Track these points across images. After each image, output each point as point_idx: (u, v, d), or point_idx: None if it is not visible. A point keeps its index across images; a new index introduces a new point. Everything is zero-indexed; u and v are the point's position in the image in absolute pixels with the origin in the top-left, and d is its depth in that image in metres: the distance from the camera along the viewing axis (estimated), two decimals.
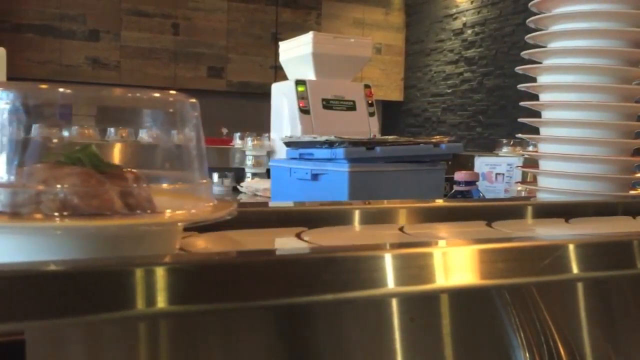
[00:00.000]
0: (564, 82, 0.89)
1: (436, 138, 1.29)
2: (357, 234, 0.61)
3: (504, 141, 2.36)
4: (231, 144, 2.35)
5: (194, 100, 0.43)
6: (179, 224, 0.38)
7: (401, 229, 0.61)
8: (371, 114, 2.14)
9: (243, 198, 1.97)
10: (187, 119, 0.43)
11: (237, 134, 2.21)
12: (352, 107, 2.10)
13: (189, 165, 0.42)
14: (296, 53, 2.14)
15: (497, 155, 1.66)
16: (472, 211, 0.68)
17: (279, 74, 4.28)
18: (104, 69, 4.17)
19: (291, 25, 4.62)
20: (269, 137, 2.21)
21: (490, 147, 3.14)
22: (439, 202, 0.75)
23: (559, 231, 0.66)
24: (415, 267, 0.40)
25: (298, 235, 0.54)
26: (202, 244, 0.49)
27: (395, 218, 0.64)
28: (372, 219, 0.64)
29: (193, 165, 0.42)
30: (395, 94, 5.08)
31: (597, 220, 0.70)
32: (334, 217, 0.62)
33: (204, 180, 0.42)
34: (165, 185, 0.39)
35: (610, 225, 0.68)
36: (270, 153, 2.18)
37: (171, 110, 0.43)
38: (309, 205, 0.67)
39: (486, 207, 0.71)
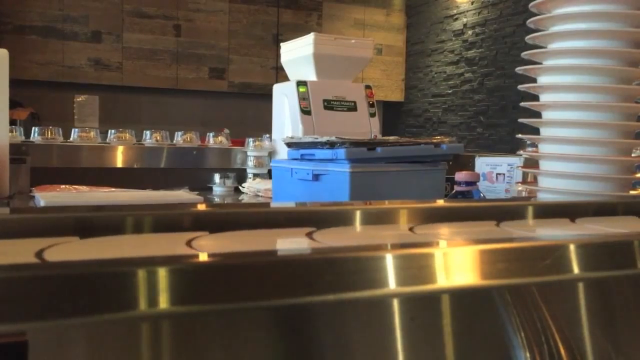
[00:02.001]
0: (564, 82, 0.89)
1: (437, 138, 1.29)
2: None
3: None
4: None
5: None
6: None
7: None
8: (372, 115, 2.14)
9: (245, 199, 1.97)
10: None
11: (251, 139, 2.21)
12: (353, 108, 2.10)
13: None
14: (297, 54, 2.14)
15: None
16: (474, 211, 0.68)
17: (280, 75, 4.28)
18: (106, 70, 4.18)
19: (292, 27, 4.63)
20: (270, 138, 2.21)
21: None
22: (440, 202, 0.75)
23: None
24: (416, 268, 0.40)
25: (38, 254, 0.45)
26: None
27: (397, 218, 0.65)
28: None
29: None
30: (396, 95, 5.09)
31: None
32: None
33: None
34: None
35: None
36: (271, 153, 2.19)
37: None
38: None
39: (487, 207, 0.71)
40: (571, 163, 0.87)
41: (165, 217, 0.55)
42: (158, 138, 2.14)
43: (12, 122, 3.05)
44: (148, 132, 2.15)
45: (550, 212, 0.71)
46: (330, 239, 0.52)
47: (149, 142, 2.13)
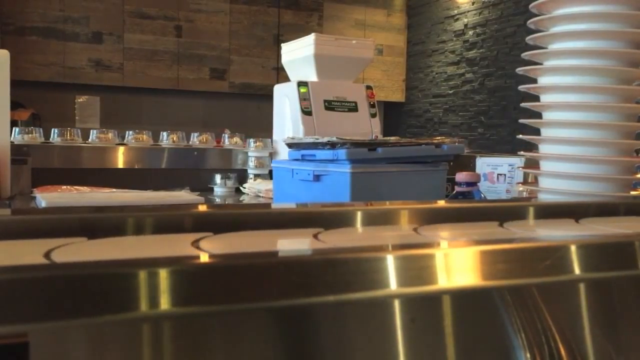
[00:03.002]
0: (564, 83, 0.89)
1: (438, 139, 1.29)
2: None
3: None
4: None
5: None
6: None
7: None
8: (373, 115, 2.14)
9: (246, 199, 1.97)
10: None
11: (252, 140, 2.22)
12: (353, 108, 2.10)
13: None
14: (298, 54, 2.15)
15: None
16: (473, 212, 0.68)
17: (281, 76, 4.28)
18: (107, 71, 4.19)
19: (293, 27, 4.63)
20: (271, 139, 2.21)
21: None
22: (441, 203, 0.75)
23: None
24: (416, 269, 0.41)
25: None
26: None
27: (397, 219, 0.64)
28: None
29: None
30: (396, 95, 5.09)
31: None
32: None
33: None
34: None
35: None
36: (272, 154, 2.19)
37: None
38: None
39: (487, 207, 0.72)
40: (572, 163, 0.87)
41: (166, 218, 0.55)
42: (175, 139, 2.15)
43: (14, 123, 3.06)
44: (165, 133, 2.16)
45: (550, 212, 0.71)
46: (215, 247, 0.48)
47: (165, 143, 2.15)
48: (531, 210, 0.70)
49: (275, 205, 0.66)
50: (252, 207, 0.63)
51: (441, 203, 0.71)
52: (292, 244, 0.53)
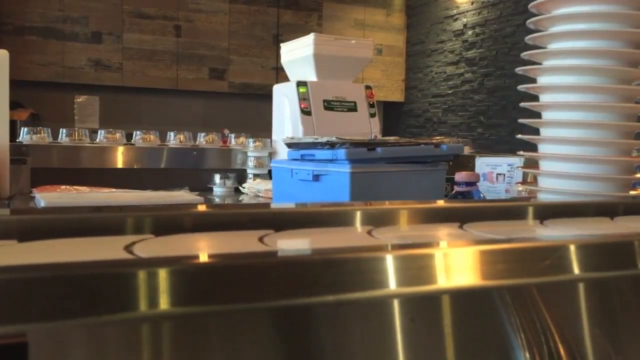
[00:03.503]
0: (563, 83, 0.89)
1: (437, 139, 1.29)
2: None
3: None
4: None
5: None
6: None
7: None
8: (372, 115, 2.14)
9: (245, 199, 1.97)
10: None
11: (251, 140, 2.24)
12: (353, 108, 2.10)
13: None
14: (297, 54, 2.15)
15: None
16: (471, 212, 0.68)
17: (280, 75, 4.28)
18: (106, 70, 4.19)
19: (292, 27, 4.63)
20: (270, 139, 2.21)
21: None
22: (440, 202, 0.75)
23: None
24: (416, 268, 0.41)
25: None
26: None
27: (395, 219, 0.64)
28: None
29: None
30: (396, 95, 5.09)
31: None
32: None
33: None
34: None
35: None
36: (272, 154, 2.19)
37: None
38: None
39: (485, 207, 0.72)
40: (571, 163, 0.87)
41: (165, 218, 0.55)
42: (182, 139, 2.16)
43: (13, 123, 3.06)
44: (172, 134, 2.17)
45: (551, 212, 0.71)
46: (147, 250, 0.46)
47: (173, 143, 2.16)
48: (494, 212, 0.70)
49: (232, 206, 0.64)
50: (222, 208, 0.62)
51: (399, 204, 0.68)
52: (229, 247, 0.50)
